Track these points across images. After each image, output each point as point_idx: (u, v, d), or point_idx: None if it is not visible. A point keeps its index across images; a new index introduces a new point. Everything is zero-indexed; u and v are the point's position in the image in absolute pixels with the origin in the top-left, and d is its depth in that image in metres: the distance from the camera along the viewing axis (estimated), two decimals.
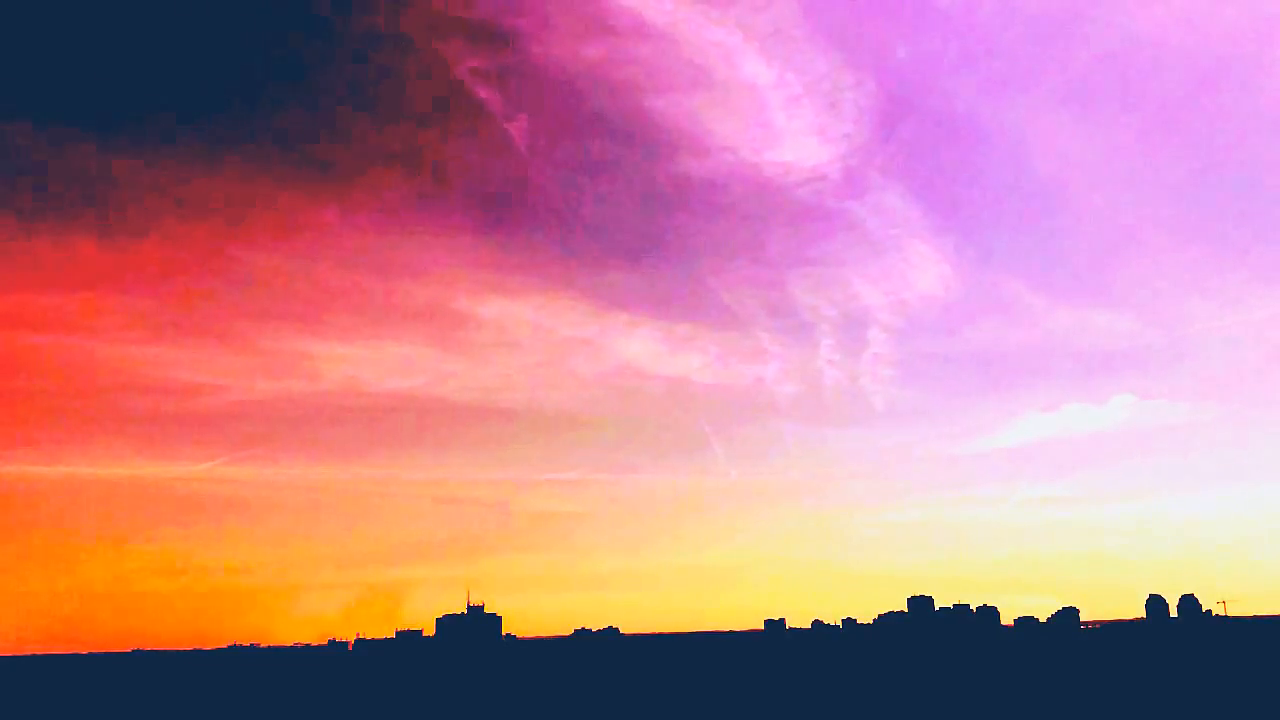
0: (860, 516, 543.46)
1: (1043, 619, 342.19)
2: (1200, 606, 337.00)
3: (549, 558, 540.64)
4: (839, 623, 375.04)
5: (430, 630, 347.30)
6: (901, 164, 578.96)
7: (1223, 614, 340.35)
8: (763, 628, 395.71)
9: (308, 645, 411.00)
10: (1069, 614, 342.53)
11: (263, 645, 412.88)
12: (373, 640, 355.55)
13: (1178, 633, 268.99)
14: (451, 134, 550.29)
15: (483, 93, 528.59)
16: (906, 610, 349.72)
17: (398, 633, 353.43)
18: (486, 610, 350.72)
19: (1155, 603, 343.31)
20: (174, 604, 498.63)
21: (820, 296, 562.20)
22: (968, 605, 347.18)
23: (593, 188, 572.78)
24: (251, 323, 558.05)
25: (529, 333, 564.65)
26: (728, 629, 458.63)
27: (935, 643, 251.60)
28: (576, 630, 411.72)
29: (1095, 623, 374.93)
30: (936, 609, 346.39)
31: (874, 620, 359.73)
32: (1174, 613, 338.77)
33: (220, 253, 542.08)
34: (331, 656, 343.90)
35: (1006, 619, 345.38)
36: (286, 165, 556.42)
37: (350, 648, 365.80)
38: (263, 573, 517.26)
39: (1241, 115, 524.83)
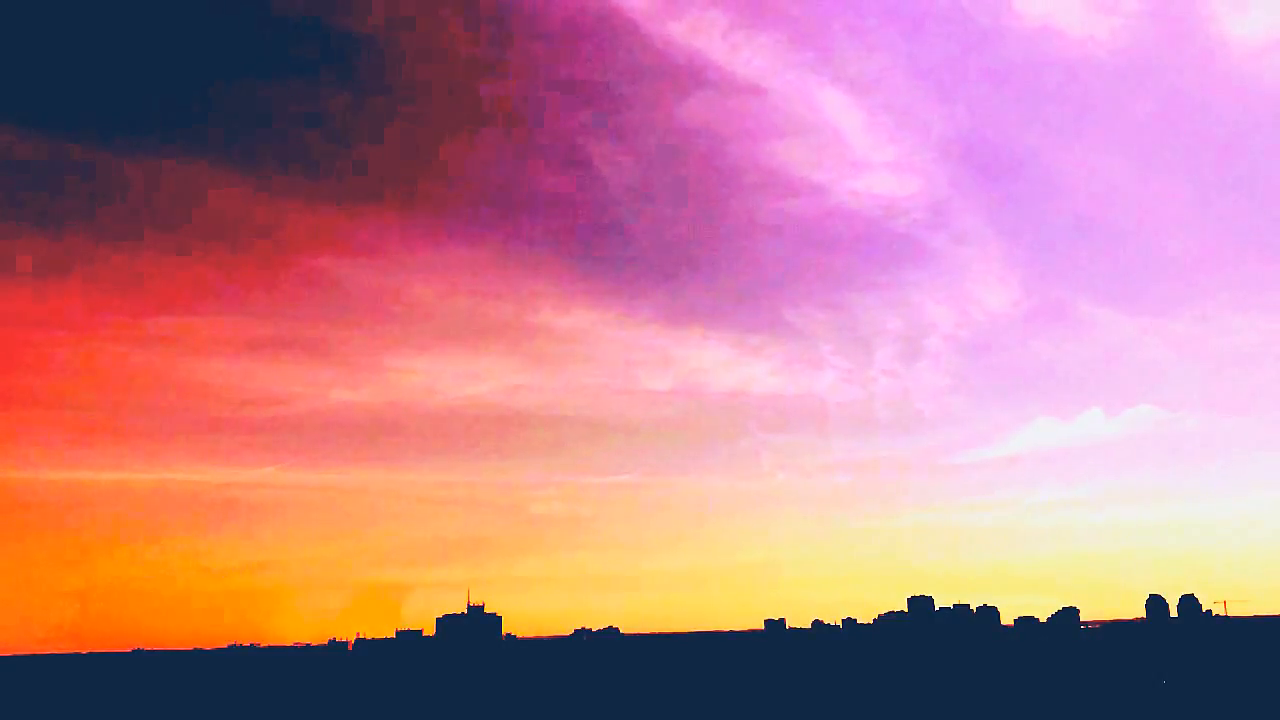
0: (863, 519, 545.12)
1: (1043, 619, 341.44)
2: (1200, 606, 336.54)
3: (552, 558, 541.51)
4: (839, 623, 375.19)
5: (430, 630, 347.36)
6: (973, 193, 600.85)
7: (1223, 614, 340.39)
8: (763, 628, 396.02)
9: (308, 645, 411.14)
10: (1069, 614, 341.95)
11: (263, 645, 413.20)
12: (373, 640, 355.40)
13: (1178, 633, 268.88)
14: (536, 166, 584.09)
15: (573, 135, 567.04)
16: (906, 610, 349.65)
17: (398, 633, 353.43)
18: (486, 610, 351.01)
19: (1155, 603, 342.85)
20: (175, 604, 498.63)
21: (887, 313, 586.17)
22: (968, 605, 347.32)
23: (673, 214, 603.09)
24: (340, 338, 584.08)
25: (602, 345, 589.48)
26: (728, 629, 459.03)
27: (935, 643, 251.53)
28: (576, 630, 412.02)
29: (1095, 623, 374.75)
30: (936, 609, 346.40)
31: (874, 620, 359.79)
32: (1174, 613, 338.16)
33: (318, 273, 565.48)
34: (331, 656, 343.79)
35: (1006, 619, 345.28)
36: (381, 193, 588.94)
37: (350, 648, 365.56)
38: (262, 573, 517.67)
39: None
